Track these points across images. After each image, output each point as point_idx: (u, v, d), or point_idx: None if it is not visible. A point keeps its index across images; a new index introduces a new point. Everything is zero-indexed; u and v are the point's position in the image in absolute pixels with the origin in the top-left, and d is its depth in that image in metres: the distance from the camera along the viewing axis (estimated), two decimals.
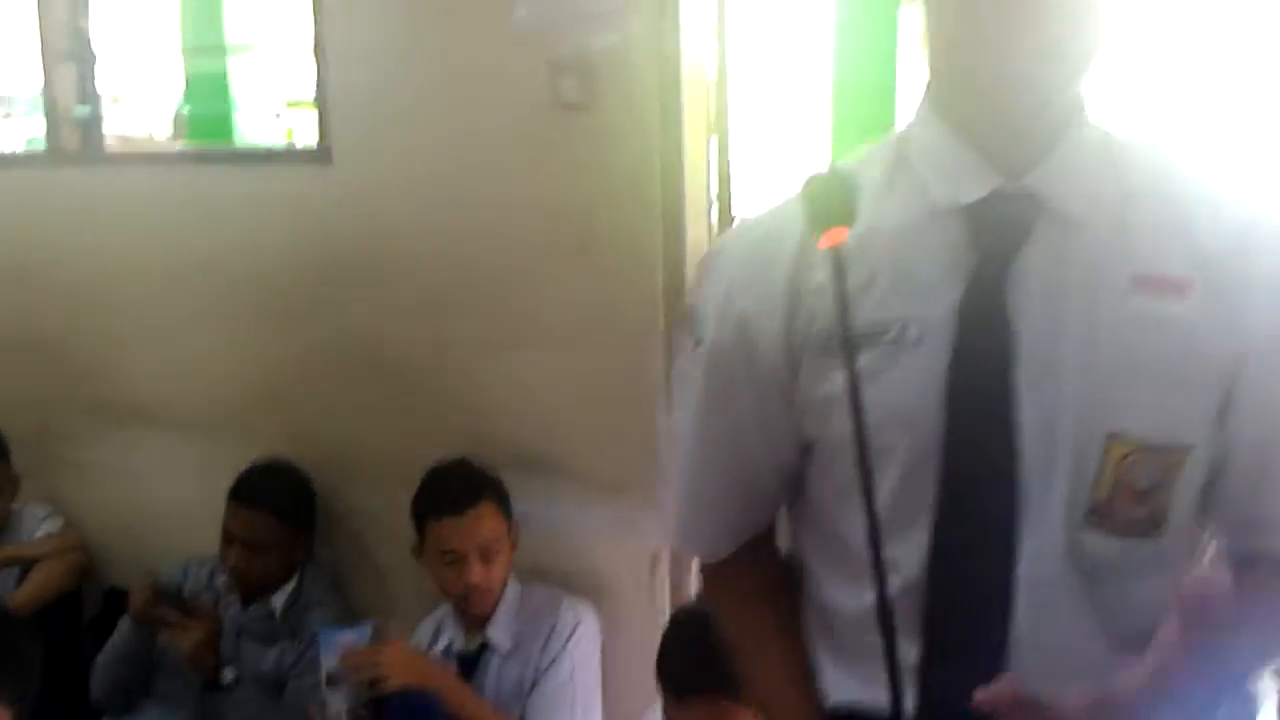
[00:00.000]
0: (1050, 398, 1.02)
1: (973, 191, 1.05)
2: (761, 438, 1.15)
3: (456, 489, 2.55)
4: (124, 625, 2.84)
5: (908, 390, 1.04)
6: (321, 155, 2.78)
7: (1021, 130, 1.04)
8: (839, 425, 1.06)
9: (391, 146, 2.71)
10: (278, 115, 3.89)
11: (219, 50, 3.38)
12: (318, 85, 2.77)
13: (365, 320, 2.82)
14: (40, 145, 3.18)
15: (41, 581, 3.11)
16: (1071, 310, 1.03)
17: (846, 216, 0.97)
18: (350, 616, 2.78)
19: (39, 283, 3.22)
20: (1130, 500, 1.03)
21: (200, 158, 3.09)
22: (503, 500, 2.57)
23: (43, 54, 3.09)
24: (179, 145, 4.44)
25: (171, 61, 4.68)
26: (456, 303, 2.70)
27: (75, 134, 3.16)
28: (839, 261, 0.96)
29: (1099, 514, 1.04)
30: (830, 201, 0.98)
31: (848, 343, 0.96)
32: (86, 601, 3.28)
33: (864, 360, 1.03)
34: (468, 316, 2.69)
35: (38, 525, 3.18)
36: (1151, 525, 1.04)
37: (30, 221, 3.19)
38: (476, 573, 2.50)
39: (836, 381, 1.06)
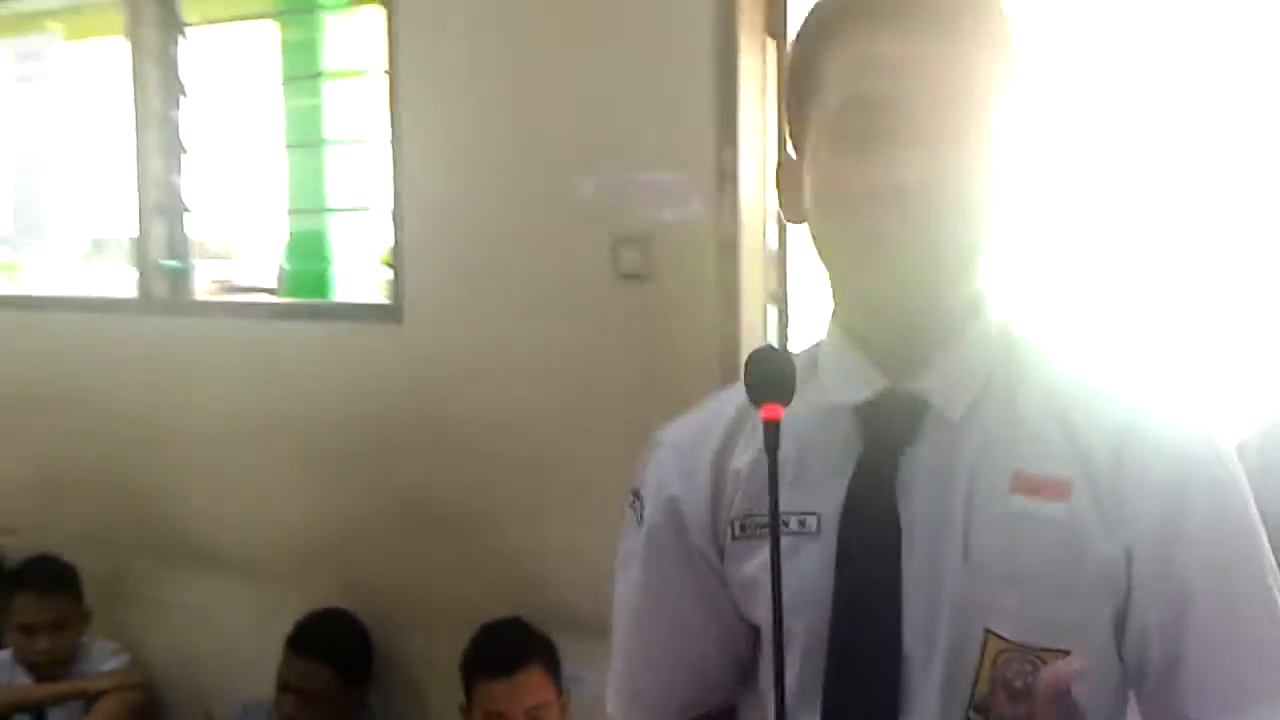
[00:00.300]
0: (932, 592, 1.04)
1: (861, 393, 1.09)
2: (700, 617, 1.19)
3: (506, 650, 2.57)
4: None
5: (805, 578, 1.07)
6: (392, 313, 2.88)
7: (907, 335, 1.08)
8: (756, 608, 1.13)
9: (459, 308, 2.79)
10: (374, 273, 4.06)
11: (320, 209, 3.52)
12: (393, 246, 2.88)
13: (425, 475, 2.88)
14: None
15: (103, 715, 3.17)
16: (955, 507, 1.05)
17: (784, 394, 1.00)
18: None
19: (120, 426, 3.34)
20: (1008, 698, 1.03)
21: (278, 311, 3.21)
22: (553, 664, 2.58)
23: (138, 207, 3.25)
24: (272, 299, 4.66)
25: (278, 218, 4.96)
26: (514, 462, 2.75)
27: (164, 284, 3.31)
28: (773, 436, 0.98)
29: (979, 709, 1.04)
30: (769, 377, 1.01)
31: (774, 519, 0.97)
32: None
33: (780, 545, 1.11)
34: (524, 477, 2.74)
35: (105, 660, 3.25)
36: None
37: (118, 366, 3.33)
38: None
39: (751, 565, 1.12)
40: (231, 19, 3.49)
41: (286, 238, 4.91)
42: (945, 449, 1.07)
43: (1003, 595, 1.02)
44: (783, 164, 1.14)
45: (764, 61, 2.53)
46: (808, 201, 1.08)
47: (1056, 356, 1.11)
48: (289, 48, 4.46)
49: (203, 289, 5.14)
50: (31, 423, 3.51)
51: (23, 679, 3.18)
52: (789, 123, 1.13)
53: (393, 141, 2.84)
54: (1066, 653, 1.02)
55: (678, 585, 1.19)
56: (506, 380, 2.76)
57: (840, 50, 1.05)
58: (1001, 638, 1.02)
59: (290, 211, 4.38)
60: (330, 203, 3.56)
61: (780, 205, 1.15)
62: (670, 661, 1.24)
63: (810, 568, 1.08)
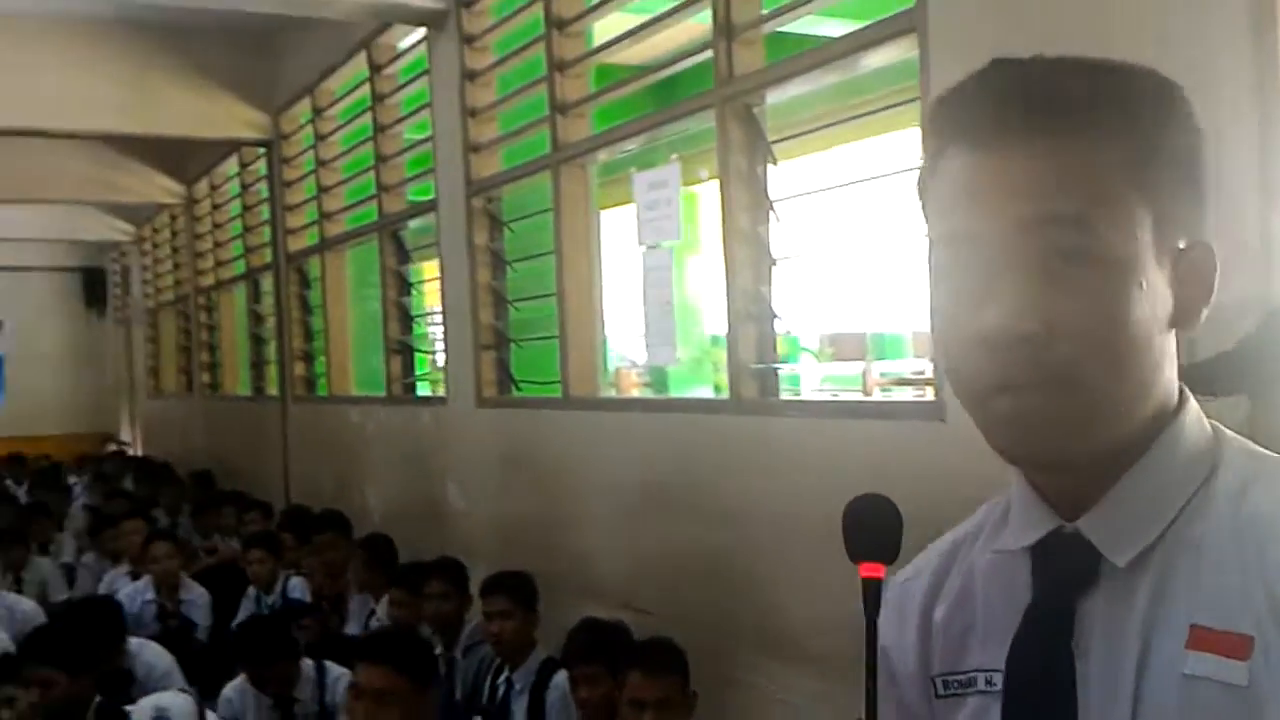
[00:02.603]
0: None
1: (1029, 535, 0.98)
2: None
3: None
4: None
5: None
6: (936, 410, 2.82)
7: (1071, 475, 0.95)
8: None
9: None
10: None
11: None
12: (934, 345, 2.82)
13: None
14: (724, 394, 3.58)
15: None
16: (1126, 667, 0.91)
17: (886, 552, 0.96)
18: None
19: (725, 518, 3.59)
20: None
21: (834, 410, 3.27)
22: None
23: (728, 314, 3.51)
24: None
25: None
26: None
27: (753, 385, 3.52)
28: (874, 598, 0.95)
29: None
30: (868, 532, 0.97)
31: (871, 682, 0.94)
32: None
33: (970, 706, 1.01)
34: None
35: None
36: None
37: (711, 461, 3.60)
38: None
39: None
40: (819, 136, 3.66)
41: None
42: (1120, 599, 0.93)
43: None
44: None
45: None
46: None
47: (1263, 481, 0.92)
48: None
49: (874, 381, 5.39)
50: (659, 514, 3.89)
51: None
52: None
53: None
54: None
55: None
56: None
57: (940, 176, 0.96)
58: None
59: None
60: None
61: None
62: None
63: None
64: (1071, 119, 0.89)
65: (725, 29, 3.56)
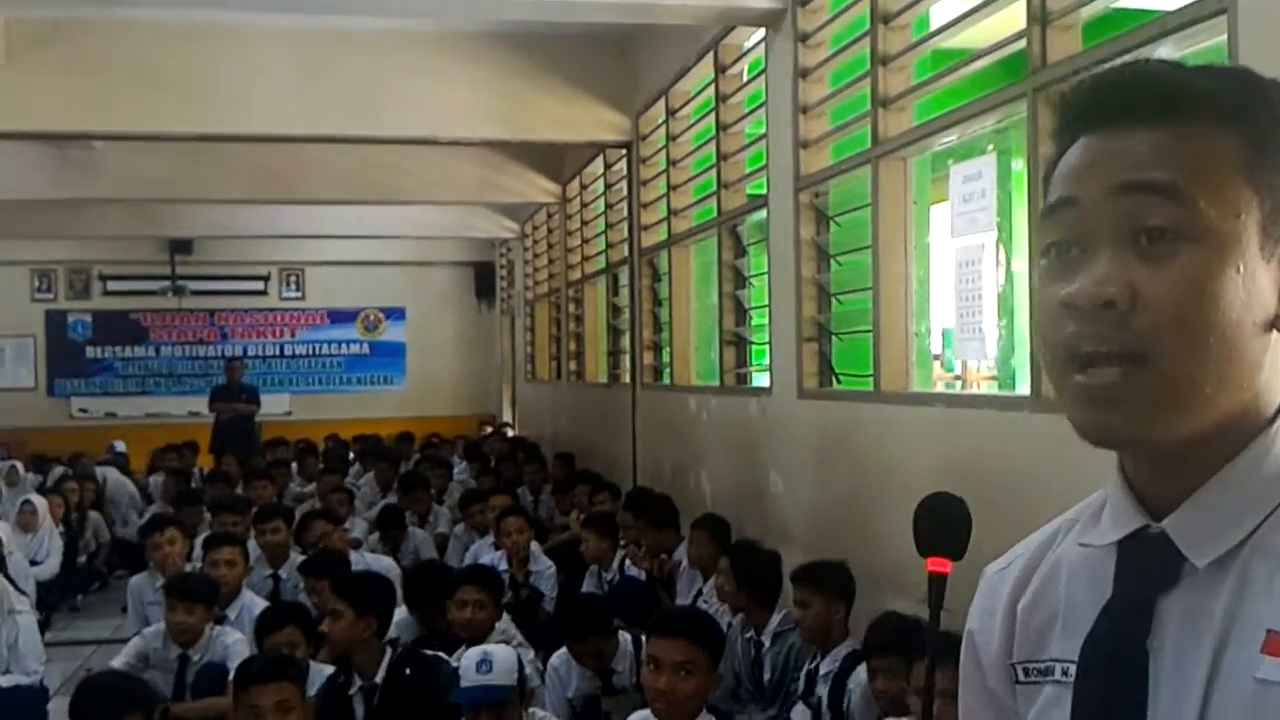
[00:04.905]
0: None
1: (1117, 531, 0.97)
2: None
3: None
4: None
5: None
6: None
7: (1158, 470, 0.94)
8: None
9: None
10: None
11: None
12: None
13: None
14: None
15: None
16: (1197, 670, 0.90)
17: (953, 549, 0.95)
18: None
19: (1009, 513, 3.50)
20: None
21: None
22: None
23: (1030, 308, 3.43)
24: None
25: None
26: None
27: None
28: (939, 590, 0.94)
29: None
30: (937, 529, 0.97)
31: (930, 675, 0.94)
32: None
33: (1045, 695, 1.02)
34: None
35: None
36: None
37: (1009, 458, 3.52)
38: None
39: (1030, 714, 1.04)
40: None
41: None
42: (1198, 600, 0.93)
43: None
44: None
45: None
46: None
47: None
48: None
49: None
50: None
51: None
52: None
53: None
54: None
55: None
56: None
57: (1062, 162, 0.98)
58: None
59: None
60: None
61: None
62: None
63: None
64: (1189, 110, 0.91)
65: (1039, 15, 3.48)
